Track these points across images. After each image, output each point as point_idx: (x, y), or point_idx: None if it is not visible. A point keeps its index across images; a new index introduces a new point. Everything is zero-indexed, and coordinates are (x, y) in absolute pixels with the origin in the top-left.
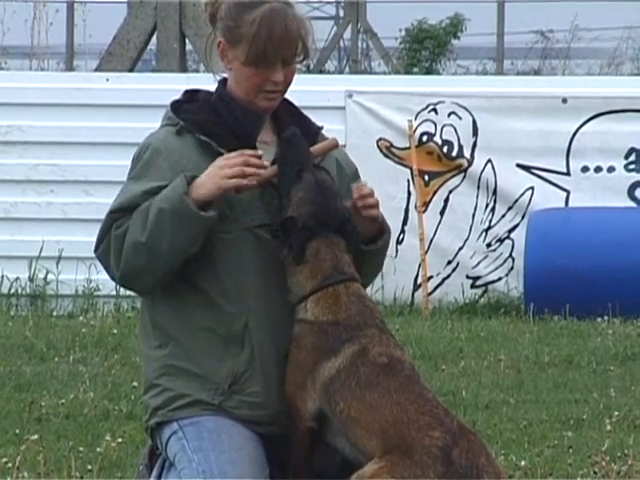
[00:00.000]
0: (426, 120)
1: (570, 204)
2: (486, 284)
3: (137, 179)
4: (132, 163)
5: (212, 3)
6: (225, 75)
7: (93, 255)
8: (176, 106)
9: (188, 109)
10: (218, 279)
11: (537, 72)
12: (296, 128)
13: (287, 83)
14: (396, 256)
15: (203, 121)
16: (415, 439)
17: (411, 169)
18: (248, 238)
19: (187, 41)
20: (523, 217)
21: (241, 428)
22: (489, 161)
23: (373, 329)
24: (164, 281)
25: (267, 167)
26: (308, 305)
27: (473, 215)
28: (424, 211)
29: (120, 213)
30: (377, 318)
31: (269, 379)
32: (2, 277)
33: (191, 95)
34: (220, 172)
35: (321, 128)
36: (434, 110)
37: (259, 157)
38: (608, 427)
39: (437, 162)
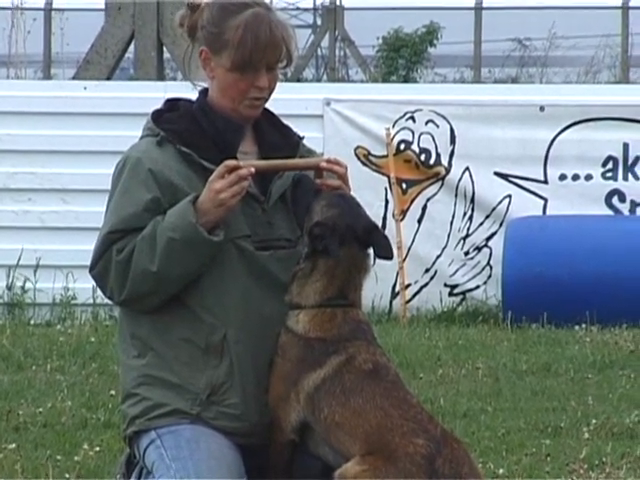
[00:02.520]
0: (404, 128)
1: (548, 212)
2: (464, 292)
3: (125, 193)
4: (116, 176)
5: (189, 15)
6: (205, 85)
7: (71, 263)
8: (157, 116)
9: (169, 119)
10: (199, 290)
11: (515, 80)
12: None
13: (271, 89)
14: (374, 264)
15: (184, 131)
16: (399, 445)
17: (389, 177)
18: (230, 249)
19: (165, 49)
20: (501, 225)
21: (219, 437)
22: (467, 169)
23: (361, 341)
24: (167, 300)
25: (253, 173)
26: (301, 316)
27: (451, 223)
28: (402, 219)
29: (118, 234)
30: (368, 334)
31: (248, 391)
32: None
33: (172, 104)
34: (220, 196)
35: (302, 138)
36: (412, 118)
37: (243, 166)
38: (586, 435)
39: (415, 170)
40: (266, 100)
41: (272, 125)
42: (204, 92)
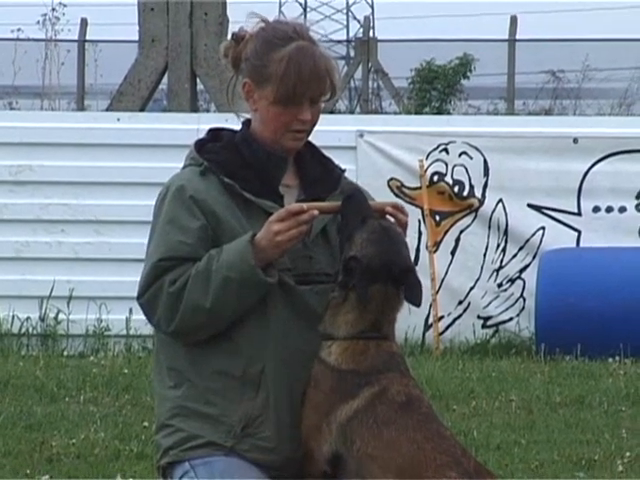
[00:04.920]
0: (437, 160)
1: (581, 244)
2: (497, 324)
3: (171, 220)
4: (159, 203)
5: (234, 46)
6: (247, 115)
7: (104, 295)
8: (200, 145)
9: (212, 149)
10: (240, 322)
11: (548, 112)
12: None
13: (313, 122)
14: None
15: (227, 162)
16: (432, 478)
17: (422, 209)
18: None
19: (198, 81)
20: (534, 257)
21: (253, 470)
22: (500, 201)
23: (395, 373)
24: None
25: (316, 215)
26: (333, 348)
27: (484, 255)
28: (435, 251)
29: (169, 262)
30: (401, 365)
31: (282, 425)
32: (13, 317)
33: (214, 134)
34: (277, 238)
35: (344, 171)
36: (445, 150)
37: (305, 211)
38: (620, 468)
39: (448, 202)
40: (309, 133)
41: (314, 158)
42: (247, 123)
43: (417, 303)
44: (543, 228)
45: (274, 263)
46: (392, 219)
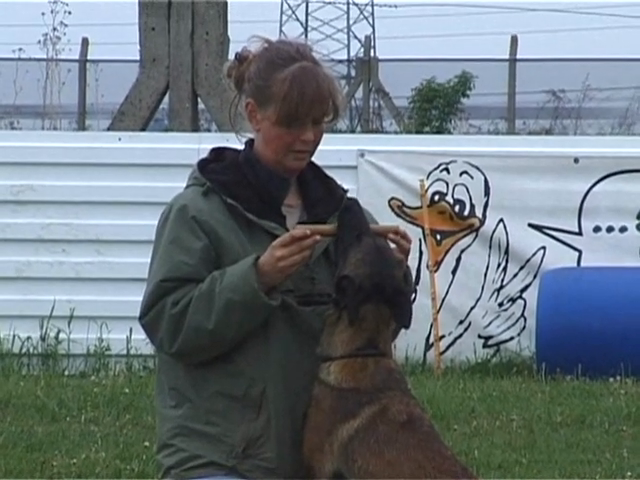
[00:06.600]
0: (438, 179)
1: (582, 264)
2: (498, 344)
3: (174, 240)
4: (162, 223)
5: (237, 66)
6: (250, 135)
7: (105, 314)
8: (203, 165)
9: (214, 169)
10: (241, 343)
11: (549, 132)
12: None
13: (316, 143)
14: None
15: (230, 183)
16: None
17: (423, 228)
18: None
19: (199, 100)
20: (535, 277)
21: None
22: (501, 220)
23: (395, 391)
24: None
25: (319, 240)
26: (332, 368)
27: (485, 274)
28: (436, 270)
29: (171, 283)
30: (402, 383)
31: (283, 446)
32: (14, 336)
33: (217, 154)
34: (280, 264)
35: (346, 191)
36: (446, 169)
37: (308, 236)
38: None
39: (449, 221)
40: (311, 153)
41: (317, 178)
42: (250, 143)
43: (406, 325)
44: (544, 248)
45: (277, 286)
46: (394, 245)
